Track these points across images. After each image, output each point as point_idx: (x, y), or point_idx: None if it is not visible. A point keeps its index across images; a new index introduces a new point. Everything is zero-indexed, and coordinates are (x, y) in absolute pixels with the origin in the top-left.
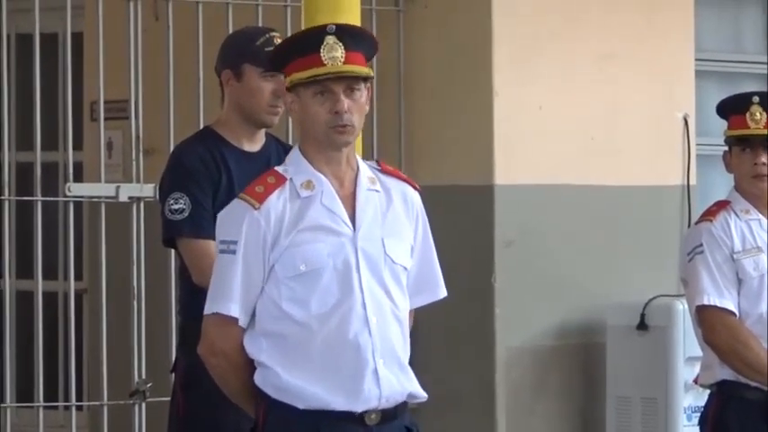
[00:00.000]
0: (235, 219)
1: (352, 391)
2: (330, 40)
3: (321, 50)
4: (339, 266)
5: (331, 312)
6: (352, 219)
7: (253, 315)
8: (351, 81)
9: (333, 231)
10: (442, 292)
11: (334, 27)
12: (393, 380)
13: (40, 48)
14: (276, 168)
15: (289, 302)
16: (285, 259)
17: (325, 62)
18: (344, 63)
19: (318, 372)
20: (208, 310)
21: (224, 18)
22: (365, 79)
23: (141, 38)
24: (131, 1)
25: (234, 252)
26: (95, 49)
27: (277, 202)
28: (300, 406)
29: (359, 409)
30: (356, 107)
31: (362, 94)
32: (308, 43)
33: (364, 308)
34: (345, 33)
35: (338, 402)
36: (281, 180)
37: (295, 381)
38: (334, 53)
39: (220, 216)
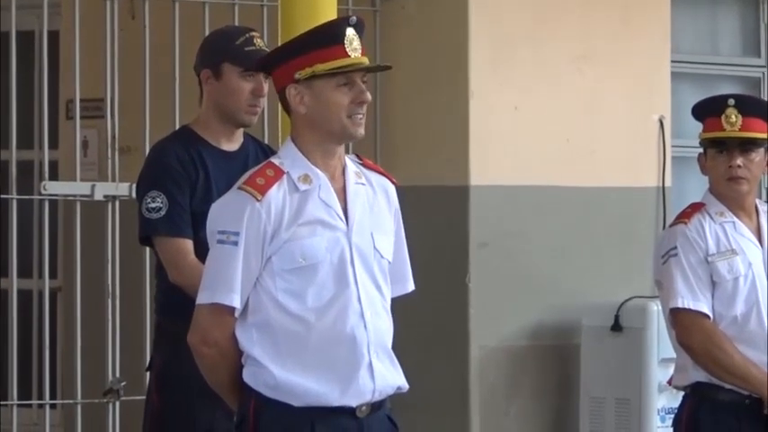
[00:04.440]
0: (236, 210)
1: (348, 386)
2: (350, 32)
3: (345, 42)
4: (335, 261)
5: (327, 306)
6: (345, 213)
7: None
8: (364, 74)
9: (329, 225)
10: (411, 286)
11: (355, 19)
12: (386, 373)
13: (16, 46)
14: (272, 161)
15: (284, 294)
16: (284, 252)
17: (350, 54)
18: (362, 56)
19: (313, 366)
20: (205, 299)
21: (200, 17)
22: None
23: (118, 37)
24: (108, 0)
25: (235, 243)
26: (72, 48)
27: (277, 194)
28: (296, 403)
29: (353, 403)
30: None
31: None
32: (332, 34)
33: (359, 302)
34: (361, 27)
35: (334, 397)
36: (279, 173)
37: (289, 377)
38: (355, 45)
39: (218, 206)
